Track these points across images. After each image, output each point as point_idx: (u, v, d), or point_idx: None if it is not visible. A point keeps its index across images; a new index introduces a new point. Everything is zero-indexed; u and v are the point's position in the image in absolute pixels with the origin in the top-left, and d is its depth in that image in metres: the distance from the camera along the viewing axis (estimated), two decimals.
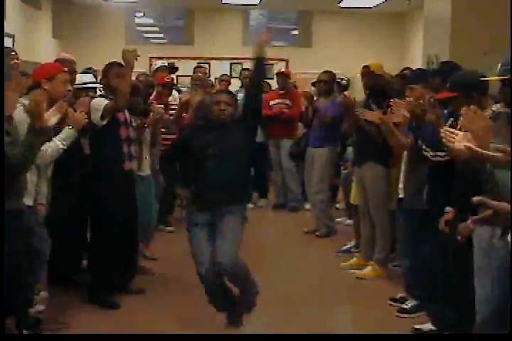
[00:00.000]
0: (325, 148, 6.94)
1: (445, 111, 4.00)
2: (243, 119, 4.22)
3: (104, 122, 4.62)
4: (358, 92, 6.84)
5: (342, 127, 6.55)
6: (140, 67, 7.68)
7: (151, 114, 5.45)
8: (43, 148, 3.77)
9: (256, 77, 4.37)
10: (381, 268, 5.53)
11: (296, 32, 14.42)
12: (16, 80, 3.64)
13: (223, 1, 11.66)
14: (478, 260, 3.10)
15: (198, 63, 10.34)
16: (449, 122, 3.72)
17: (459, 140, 2.67)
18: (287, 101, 8.33)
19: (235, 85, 9.21)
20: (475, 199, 2.35)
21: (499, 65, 2.88)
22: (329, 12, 13.01)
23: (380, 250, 5.54)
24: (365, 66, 5.94)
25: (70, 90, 4.18)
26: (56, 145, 4.00)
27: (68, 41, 12.27)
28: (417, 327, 4.23)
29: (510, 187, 2.55)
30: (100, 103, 4.63)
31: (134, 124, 5.00)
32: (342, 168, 7.15)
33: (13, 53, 5.76)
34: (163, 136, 6.11)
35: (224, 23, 13.30)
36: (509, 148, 2.26)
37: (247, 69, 9.49)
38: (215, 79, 9.58)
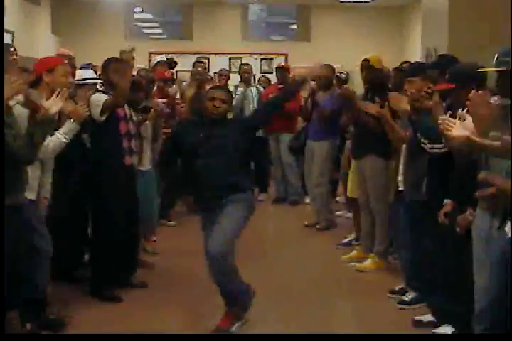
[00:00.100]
0: (324, 142, 6.97)
1: (443, 104, 4.02)
2: (248, 121, 4.21)
3: (104, 118, 4.64)
4: (357, 86, 6.84)
5: (341, 120, 6.56)
6: (139, 62, 7.72)
7: (151, 109, 5.47)
8: (45, 142, 3.79)
9: (281, 100, 4.44)
10: (381, 260, 5.56)
11: (295, 26, 14.41)
12: (15, 75, 3.65)
13: None
14: (477, 251, 3.13)
15: (198, 58, 10.35)
16: (448, 114, 3.74)
17: (456, 128, 2.69)
18: None
19: (234, 80, 9.23)
20: (480, 176, 2.37)
21: (495, 56, 2.89)
22: (328, 6, 13.02)
23: (380, 242, 5.56)
24: (364, 59, 5.94)
25: (70, 83, 4.17)
26: (58, 139, 4.00)
27: (67, 37, 12.26)
28: (417, 318, 4.25)
29: (511, 177, 2.57)
30: (100, 99, 4.65)
31: (134, 119, 5.02)
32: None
33: (12, 49, 5.78)
34: (165, 130, 6.13)
35: (223, 18, 13.30)
36: (507, 137, 2.28)
37: (246, 63, 9.52)
38: (214, 73, 9.59)
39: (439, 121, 2.79)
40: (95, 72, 5.58)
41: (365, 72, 5.80)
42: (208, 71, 10.05)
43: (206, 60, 11.17)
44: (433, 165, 4.07)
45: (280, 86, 8.42)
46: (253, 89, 8.82)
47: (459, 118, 2.75)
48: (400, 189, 4.68)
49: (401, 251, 4.76)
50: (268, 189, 8.99)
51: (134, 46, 4.68)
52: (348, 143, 6.46)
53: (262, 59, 12.97)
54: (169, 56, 9.10)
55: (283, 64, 9.12)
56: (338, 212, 7.57)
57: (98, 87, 5.17)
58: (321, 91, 7.13)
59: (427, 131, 3.97)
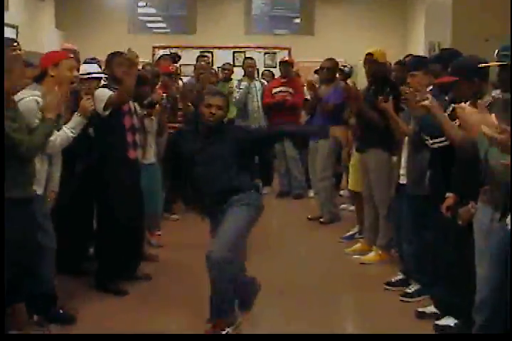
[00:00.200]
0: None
1: (446, 98, 4.04)
2: (249, 136, 4.06)
3: (107, 112, 4.67)
4: (361, 80, 6.85)
5: (344, 114, 6.58)
6: (143, 56, 7.74)
7: (156, 104, 5.49)
8: (52, 137, 3.83)
9: (291, 136, 4.60)
10: (384, 253, 5.59)
11: (298, 20, 14.39)
12: (19, 70, 3.68)
13: None
14: (478, 242, 3.16)
15: (201, 52, 10.38)
16: (450, 108, 3.76)
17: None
18: (290, 89, 8.36)
19: (237, 74, 9.25)
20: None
21: (496, 50, 2.91)
22: (331, 0, 13.00)
23: (383, 235, 5.59)
24: (368, 53, 5.95)
25: (75, 76, 4.19)
26: (66, 133, 4.01)
27: (71, 31, 12.28)
28: (420, 310, 4.29)
29: (511, 169, 2.58)
30: (104, 94, 4.67)
31: (138, 113, 5.04)
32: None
33: (15, 44, 5.80)
34: (170, 124, 6.15)
35: (226, 12, 13.30)
36: (509, 128, 2.30)
37: (249, 58, 9.53)
38: (218, 68, 9.61)
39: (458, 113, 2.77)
40: (100, 67, 5.61)
41: (369, 66, 5.82)
42: (212, 65, 10.07)
43: (210, 54, 11.20)
44: (435, 158, 4.10)
45: (284, 80, 8.44)
46: (257, 83, 8.84)
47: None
48: (401, 182, 4.71)
49: (402, 243, 4.79)
50: (272, 182, 9.02)
51: (130, 47, 4.69)
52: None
53: (265, 53, 12.98)
54: (173, 50, 9.14)
55: (287, 58, 9.13)
56: (341, 206, 7.60)
57: (103, 81, 5.21)
58: (323, 85, 7.14)
59: (428, 128, 3.98)
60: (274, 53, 12.98)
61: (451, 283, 3.93)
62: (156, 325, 4.17)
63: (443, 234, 3.94)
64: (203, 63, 8.18)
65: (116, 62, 4.81)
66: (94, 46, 9.98)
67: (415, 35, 12.34)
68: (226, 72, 8.88)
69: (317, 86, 7.24)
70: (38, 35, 10.69)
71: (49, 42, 11.12)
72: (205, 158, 3.91)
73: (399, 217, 4.81)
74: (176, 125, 6.31)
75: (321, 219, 7.11)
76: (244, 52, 12.57)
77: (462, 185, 3.55)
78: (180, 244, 6.03)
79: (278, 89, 8.38)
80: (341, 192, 8.24)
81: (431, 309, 4.24)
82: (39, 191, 3.91)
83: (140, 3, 14.15)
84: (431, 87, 4.36)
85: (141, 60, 6.95)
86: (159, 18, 15.16)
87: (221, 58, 11.70)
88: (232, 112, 8.47)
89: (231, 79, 8.94)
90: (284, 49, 12.89)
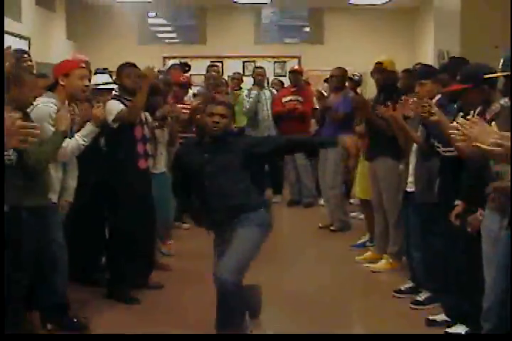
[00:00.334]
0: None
1: (454, 106, 4.06)
2: (258, 146, 3.94)
3: (116, 125, 4.71)
4: (370, 88, 6.88)
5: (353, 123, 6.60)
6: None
7: (168, 118, 5.50)
8: (64, 144, 3.87)
9: (301, 148, 4.57)
10: (395, 261, 5.59)
11: (307, 29, 14.43)
12: (31, 82, 3.72)
13: (235, 0, 11.73)
14: (486, 249, 3.17)
15: (211, 62, 10.42)
16: (459, 116, 3.78)
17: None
18: (300, 98, 8.39)
19: (247, 83, 9.29)
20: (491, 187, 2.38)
21: (501, 60, 2.93)
22: (340, 8, 13.02)
23: (393, 243, 5.60)
24: (377, 62, 5.98)
25: (87, 86, 4.21)
26: (77, 141, 4.05)
27: (82, 42, 12.38)
28: (431, 318, 4.29)
29: (511, 180, 2.61)
30: (114, 107, 4.69)
31: (150, 123, 5.07)
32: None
33: (26, 56, 5.88)
34: (181, 134, 6.18)
35: (236, 22, 13.36)
36: (507, 143, 2.32)
37: (259, 67, 9.58)
38: (228, 77, 9.66)
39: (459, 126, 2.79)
40: (111, 77, 5.65)
41: (378, 75, 5.85)
42: (222, 74, 10.13)
43: (220, 64, 11.25)
44: (445, 166, 4.11)
45: (293, 88, 8.47)
46: (266, 92, 8.87)
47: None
48: (409, 190, 4.72)
49: (411, 251, 4.79)
50: (282, 191, 9.04)
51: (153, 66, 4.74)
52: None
53: (275, 62, 13.03)
54: (183, 60, 9.19)
55: (296, 67, 9.16)
56: (352, 214, 7.61)
57: (114, 91, 5.26)
58: (333, 93, 7.18)
59: (440, 136, 3.99)
60: (284, 62, 13.04)
61: (461, 291, 3.93)
62: (168, 333, 4.19)
63: (452, 241, 3.95)
64: (213, 73, 8.23)
65: (126, 73, 4.86)
66: (105, 56, 10.06)
67: (424, 43, 12.36)
68: (235, 81, 8.92)
69: (326, 94, 7.28)
70: (50, 46, 10.79)
71: (60, 53, 11.20)
72: (213, 169, 3.80)
73: (407, 225, 4.83)
74: (190, 135, 6.35)
75: (332, 227, 7.13)
76: (254, 61, 12.63)
77: (471, 193, 3.56)
78: (192, 252, 6.05)
79: (288, 98, 8.41)
80: (351, 200, 8.25)
81: (441, 317, 4.24)
82: (53, 198, 3.95)
83: (150, 14, 14.24)
84: (439, 96, 4.38)
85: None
86: (169, 29, 15.27)
87: (231, 68, 11.76)
88: (242, 121, 8.52)
89: (241, 88, 8.99)
90: (294, 58, 12.94)
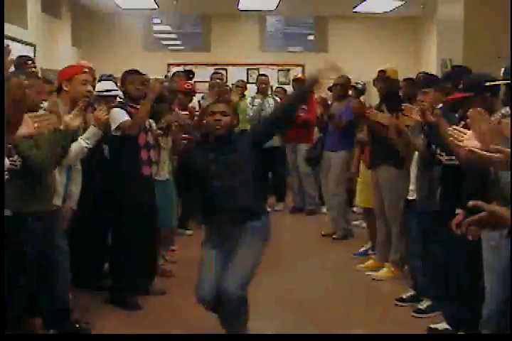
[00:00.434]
0: (341, 152, 7.04)
1: (456, 115, 4.08)
2: (256, 130, 3.97)
3: (119, 133, 4.74)
4: (374, 96, 6.91)
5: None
6: (158, 73, 7.82)
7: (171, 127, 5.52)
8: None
9: (290, 105, 4.02)
10: (396, 269, 5.60)
11: (312, 37, 14.46)
12: (37, 87, 3.77)
13: (240, 8, 11.79)
14: (487, 257, 3.19)
15: (215, 69, 10.46)
16: (460, 125, 3.80)
17: (467, 139, 2.74)
18: (303, 106, 8.41)
19: (251, 91, 9.32)
20: (470, 203, 2.39)
21: (502, 69, 2.96)
22: (345, 17, 13.07)
23: (395, 251, 5.61)
24: (381, 71, 6.01)
25: (89, 91, 4.24)
26: (80, 144, 4.06)
27: (87, 49, 12.45)
28: (432, 326, 4.30)
29: (511, 188, 2.63)
30: (118, 116, 4.72)
31: (154, 129, 5.10)
32: None
33: (30, 62, 5.92)
34: (185, 141, 6.19)
35: (240, 29, 13.41)
36: (507, 149, 2.33)
37: (263, 74, 9.61)
38: (232, 85, 9.69)
39: (450, 132, 2.84)
40: (116, 84, 5.69)
41: (381, 83, 5.88)
42: (226, 82, 10.16)
43: (224, 71, 11.29)
44: (447, 175, 4.13)
45: None
46: (270, 100, 8.91)
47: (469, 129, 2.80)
48: (410, 198, 4.74)
49: (413, 259, 4.81)
50: (285, 198, 9.06)
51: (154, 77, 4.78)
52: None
53: (279, 70, 13.07)
54: (187, 67, 9.22)
55: (299, 75, 9.19)
56: (354, 222, 7.61)
57: (118, 98, 5.29)
58: (336, 102, 7.21)
59: (442, 144, 4.01)
60: (288, 70, 13.07)
61: (462, 299, 3.94)
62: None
63: (453, 249, 3.96)
64: (217, 80, 8.26)
65: (130, 80, 4.89)
66: (109, 63, 10.11)
67: (427, 52, 12.40)
68: (239, 88, 8.95)
69: (330, 102, 7.31)
70: (55, 53, 10.84)
71: (66, 59, 11.26)
72: (218, 169, 3.74)
73: (409, 233, 4.84)
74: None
75: (334, 236, 7.14)
76: (258, 69, 12.67)
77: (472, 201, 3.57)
78: (195, 259, 5.98)
79: None
80: (354, 209, 8.25)
81: (443, 325, 4.25)
82: (58, 202, 3.98)
83: (155, 21, 14.29)
84: (440, 105, 4.41)
85: (156, 76, 7.04)
86: (174, 36, 15.30)
87: (235, 75, 11.80)
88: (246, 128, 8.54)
89: (244, 95, 9.02)
90: (298, 66, 12.98)
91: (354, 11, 12.02)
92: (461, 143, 2.79)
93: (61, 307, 4.08)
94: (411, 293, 4.91)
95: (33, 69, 5.86)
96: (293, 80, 8.89)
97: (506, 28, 6.86)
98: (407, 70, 8.02)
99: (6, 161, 3.24)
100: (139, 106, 4.79)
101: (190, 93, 6.94)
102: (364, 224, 7.16)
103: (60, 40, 11.53)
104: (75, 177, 4.22)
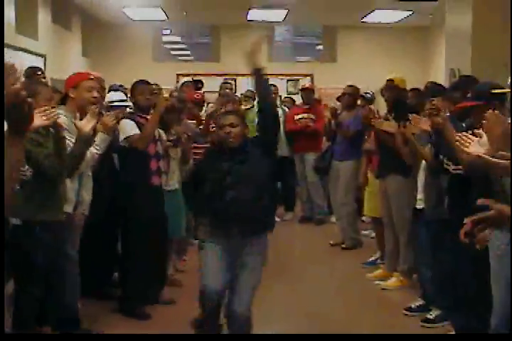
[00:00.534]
0: (349, 161, 7.04)
1: (463, 125, 4.09)
2: (260, 140, 3.91)
3: (127, 145, 4.77)
4: (382, 106, 6.92)
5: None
6: (167, 83, 7.87)
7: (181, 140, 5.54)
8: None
9: (261, 96, 4.00)
10: (406, 278, 5.59)
11: (320, 47, 14.50)
12: (46, 92, 3.81)
13: (248, 19, 11.84)
14: (494, 266, 3.19)
15: (224, 79, 10.50)
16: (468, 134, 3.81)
17: (473, 145, 2.75)
18: (312, 116, 8.44)
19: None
20: (479, 201, 2.41)
21: (509, 78, 2.97)
22: (353, 27, 13.12)
23: (403, 261, 5.60)
24: (389, 79, 6.03)
25: (95, 97, 4.26)
26: (90, 151, 4.07)
27: (98, 60, 12.53)
28: None
29: (511, 188, 2.63)
30: (127, 129, 4.76)
31: (164, 139, 5.12)
32: None
33: (40, 73, 5.97)
34: (194, 150, 6.22)
35: (249, 40, 13.41)
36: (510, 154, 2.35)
37: (272, 84, 9.63)
38: (241, 95, 9.72)
39: (457, 138, 2.85)
40: (126, 94, 5.72)
41: (389, 92, 5.89)
42: (235, 92, 10.19)
43: (233, 81, 11.32)
44: (454, 183, 4.13)
45: (306, 106, 8.52)
46: (279, 110, 8.92)
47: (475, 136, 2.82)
48: (418, 207, 4.74)
49: (422, 268, 4.80)
50: (294, 208, 9.06)
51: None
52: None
53: (288, 80, 13.10)
54: (195, 77, 9.26)
55: (307, 85, 9.21)
56: (364, 232, 7.61)
57: (128, 108, 5.33)
58: (345, 111, 7.23)
59: (448, 152, 4.02)
60: (297, 80, 13.10)
61: (471, 308, 3.93)
62: None
63: (461, 258, 3.95)
64: (226, 90, 8.29)
65: (139, 90, 4.93)
66: (119, 74, 10.16)
67: (436, 61, 12.40)
68: (248, 98, 8.96)
69: (338, 111, 7.32)
70: (66, 63, 10.92)
71: (76, 70, 11.28)
72: (234, 180, 3.69)
73: (418, 242, 4.83)
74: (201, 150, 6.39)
75: (343, 245, 7.14)
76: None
77: (480, 210, 3.57)
78: None
79: (300, 116, 8.46)
80: (363, 218, 8.25)
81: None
82: (69, 209, 4.01)
83: (165, 32, 14.39)
84: (448, 114, 4.41)
85: (165, 87, 7.09)
86: (183, 46, 15.41)
87: (244, 85, 11.82)
88: None
89: (253, 106, 9.03)
90: (307, 76, 13.00)
91: (362, 21, 12.05)
92: (466, 149, 2.80)
93: (70, 316, 4.10)
94: (420, 302, 4.91)
95: (43, 79, 5.90)
96: (300, 90, 8.91)
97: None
98: (416, 80, 8.03)
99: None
100: (148, 117, 4.83)
101: (200, 103, 6.97)
102: (373, 234, 7.16)
103: (70, 51, 11.62)
104: (86, 183, 4.25)
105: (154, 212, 4.88)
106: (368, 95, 7.92)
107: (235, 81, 12.19)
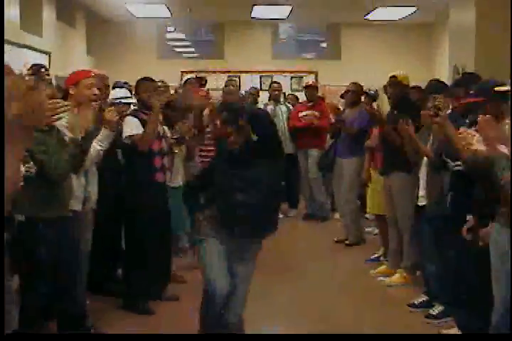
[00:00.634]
0: (353, 159, 7.04)
1: (466, 121, 4.10)
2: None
3: (130, 142, 4.79)
4: (386, 103, 6.92)
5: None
6: (172, 81, 7.88)
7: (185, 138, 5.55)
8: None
9: None
10: (409, 275, 5.60)
11: (325, 44, 14.49)
12: (49, 90, 3.83)
13: (252, 16, 11.85)
14: (495, 264, 3.20)
15: (229, 77, 10.51)
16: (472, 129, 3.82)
17: (478, 142, 2.76)
18: (316, 113, 8.44)
19: (264, 98, 9.36)
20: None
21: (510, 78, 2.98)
22: (357, 24, 13.11)
23: (407, 257, 5.61)
24: (392, 76, 6.03)
25: (95, 94, 4.22)
26: (94, 147, 4.09)
27: (102, 57, 12.55)
28: (444, 332, 4.30)
29: (511, 188, 2.64)
30: (130, 127, 4.78)
31: (168, 136, 5.14)
32: None
33: (43, 70, 5.99)
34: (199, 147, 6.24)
35: (253, 37, 13.46)
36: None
37: (275, 82, 9.65)
38: (245, 92, 9.73)
39: (460, 134, 2.86)
40: (130, 92, 5.73)
41: (392, 89, 5.89)
42: (239, 89, 10.21)
43: (237, 79, 11.34)
44: (456, 181, 4.14)
45: (310, 103, 8.53)
46: (282, 107, 8.95)
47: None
48: (420, 204, 4.75)
49: (427, 265, 4.81)
50: (298, 205, 9.07)
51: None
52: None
53: (292, 77, 13.11)
54: (199, 74, 9.26)
55: (311, 82, 9.22)
56: (367, 229, 7.62)
57: (132, 105, 5.35)
58: (348, 108, 7.23)
59: (449, 151, 4.03)
60: (301, 77, 13.10)
61: (474, 305, 3.95)
62: None
63: (463, 255, 3.97)
64: (231, 87, 8.29)
65: (143, 87, 4.94)
66: (123, 71, 10.17)
67: (440, 59, 12.39)
68: (253, 96, 8.98)
69: (341, 109, 7.33)
70: (70, 61, 10.94)
71: (80, 67, 11.33)
72: (243, 183, 3.66)
73: (420, 239, 4.85)
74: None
75: (347, 242, 7.15)
76: (271, 76, 12.71)
77: (482, 207, 3.59)
78: None
79: (305, 113, 8.47)
80: (367, 216, 8.25)
81: (455, 331, 4.25)
82: (77, 207, 4.03)
83: (169, 29, 14.40)
84: (450, 111, 4.42)
85: (170, 84, 7.10)
86: (188, 43, 15.42)
87: (248, 82, 11.85)
88: None
89: (257, 102, 9.06)
90: (311, 73, 13.00)
91: (366, 18, 12.04)
92: (470, 147, 2.81)
93: (76, 312, 4.12)
94: (423, 298, 4.92)
95: (47, 77, 5.92)
96: (304, 87, 8.92)
97: None
98: (420, 77, 8.03)
99: (22, 168, 3.29)
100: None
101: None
102: (376, 231, 7.17)
103: (75, 48, 11.64)
104: (91, 179, 4.27)
105: (158, 209, 4.90)
106: (372, 92, 7.91)
107: (239, 78, 12.21)
